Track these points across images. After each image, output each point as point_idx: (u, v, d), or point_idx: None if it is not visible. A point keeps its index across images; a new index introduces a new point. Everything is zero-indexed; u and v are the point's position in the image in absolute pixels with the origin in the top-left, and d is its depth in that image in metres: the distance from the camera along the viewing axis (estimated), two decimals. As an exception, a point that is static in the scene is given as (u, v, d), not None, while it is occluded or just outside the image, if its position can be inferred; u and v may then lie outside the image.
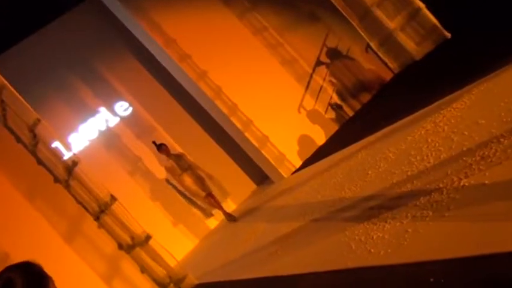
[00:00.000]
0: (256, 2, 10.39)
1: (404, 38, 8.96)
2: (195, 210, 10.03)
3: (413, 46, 8.95)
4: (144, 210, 9.65)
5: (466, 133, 4.18)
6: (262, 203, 8.59)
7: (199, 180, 8.91)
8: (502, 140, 3.55)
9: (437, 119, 5.08)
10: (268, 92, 9.90)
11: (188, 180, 8.85)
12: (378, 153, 5.57)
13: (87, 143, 9.88)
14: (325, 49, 10.79)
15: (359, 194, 4.91)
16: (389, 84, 10.18)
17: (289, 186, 8.25)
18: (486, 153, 3.54)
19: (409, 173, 4.34)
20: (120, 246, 7.40)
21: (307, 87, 10.33)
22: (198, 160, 9.91)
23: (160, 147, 8.97)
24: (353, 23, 9.49)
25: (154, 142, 9.03)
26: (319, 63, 10.78)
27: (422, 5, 8.46)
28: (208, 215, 9.75)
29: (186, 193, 9.34)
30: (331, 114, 10.32)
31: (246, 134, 9.63)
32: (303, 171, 8.83)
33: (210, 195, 8.79)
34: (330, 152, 8.15)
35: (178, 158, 8.98)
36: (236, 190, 10.57)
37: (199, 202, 9.48)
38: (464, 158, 3.74)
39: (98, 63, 10.32)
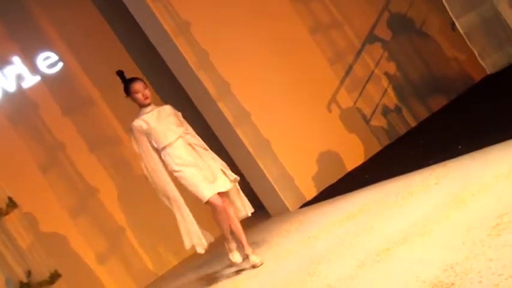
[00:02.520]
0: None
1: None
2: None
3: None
4: (58, 232, 9.54)
5: None
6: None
7: None
8: None
9: None
10: (282, 68, 9.73)
11: None
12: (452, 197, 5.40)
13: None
14: (385, 16, 10.39)
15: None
16: (477, 88, 10.10)
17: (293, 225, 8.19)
18: None
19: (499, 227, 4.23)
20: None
21: (347, 72, 10.12)
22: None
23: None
24: None
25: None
26: (372, 38, 10.54)
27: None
28: None
29: None
30: (380, 122, 10.04)
31: (239, 133, 9.38)
32: (317, 205, 8.73)
33: None
34: (364, 183, 8.10)
35: None
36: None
37: None
38: None
39: None
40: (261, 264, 6.90)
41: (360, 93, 9.96)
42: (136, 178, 10.09)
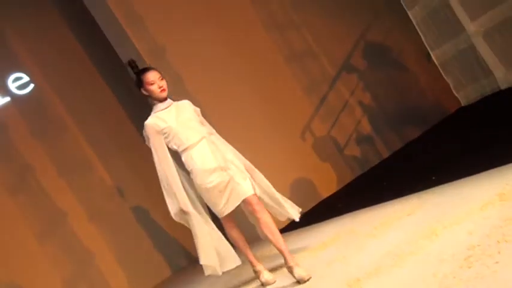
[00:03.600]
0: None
1: (489, 51, 8.45)
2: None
3: (500, 67, 8.46)
4: (24, 256, 9.54)
5: None
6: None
7: None
8: None
9: None
10: (257, 98, 9.80)
11: None
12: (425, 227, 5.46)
13: None
14: (361, 46, 10.36)
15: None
16: (451, 119, 10.12)
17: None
18: None
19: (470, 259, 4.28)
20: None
21: (322, 101, 10.15)
22: (123, 190, 9.56)
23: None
24: (410, 15, 9.34)
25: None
26: (348, 67, 10.54)
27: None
28: None
29: None
30: (353, 151, 10.05)
31: None
32: (290, 233, 8.72)
33: None
34: (336, 212, 8.14)
35: None
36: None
37: None
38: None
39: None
40: (309, 279, 5.82)
41: (334, 123, 9.99)
42: (106, 202, 10.09)
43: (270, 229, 6.05)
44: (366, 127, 10.11)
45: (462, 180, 6.18)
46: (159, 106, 6.14)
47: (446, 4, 8.72)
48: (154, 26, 9.33)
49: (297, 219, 6.57)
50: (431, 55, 9.52)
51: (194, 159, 6.00)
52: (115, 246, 9.99)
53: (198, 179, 6.04)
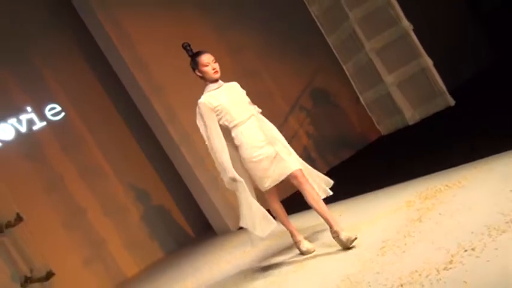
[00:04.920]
0: (242, 18, 9.86)
1: (401, 96, 8.47)
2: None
3: (409, 108, 8.46)
4: (54, 240, 9.39)
5: (454, 218, 4.21)
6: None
7: None
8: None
9: (423, 195, 5.12)
10: None
11: None
12: (350, 225, 5.47)
13: (-1, 144, 9.61)
14: (309, 89, 10.18)
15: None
16: (372, 145, 10.13)
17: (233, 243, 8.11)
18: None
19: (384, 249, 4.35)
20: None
21: (281, 125, 9.63)
22: (128, 190, 9.56)
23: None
24: (345, 68, 9.08)
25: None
26: (299, 105, 10.55)
27: (430, 62, 8.01)
28: None
29: None
30: None
31: (196, 173, 9.19)
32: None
33: None
34: (287, 212, 7.62)
35: None
36: (172, 234, 9.99)
37: None
38: (447, 248, 3.77)
39: (37, 54, 10.17)
40: (356, 238, 4.86)
41: (289, 143, 9.83)
42: (116, 200, 10.05)
43: (315, 199, 5.18)
44: (311, 150, 10.08)
45: (380, 190, 6.21)
46: (211, 86, 5.45)
47: (370, 61, 8.75)
48: (157, 69, 9.27)
49: (329, 187, 5.66)
50: (360, 98, 9.51)
51: (244, 134, 5.27)
52: (123, 233, 9.94)
53: (247, 153, 5.28)
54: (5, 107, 9.68)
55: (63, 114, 10.10)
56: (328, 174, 9.48)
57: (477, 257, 3.40)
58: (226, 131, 5.37)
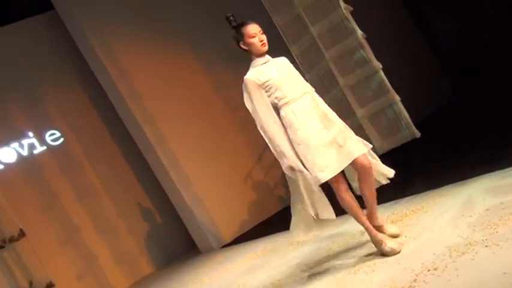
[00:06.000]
0: (229, 56, 9.93)
1: (371, 128, 8.53)
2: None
3: (378, 139, 8.51)
4: (50, 256, 9.25)
5: (419, 240, 4.27)
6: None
7: None
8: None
9: (390, 218, 5.17)
10: (217, 152, 9.69)
11: None
12: (324, 245, 5.56)
13: (1, 167, 9.55)
14: None
15: None
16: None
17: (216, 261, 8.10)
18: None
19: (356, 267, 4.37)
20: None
21: (260, 157, 9.96)
22: (120, 211, 9.56)
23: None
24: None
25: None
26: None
27: (397, 98, 8.11)
28: None
29: None
30: (280, 191, 9.93)
31: (183, 194, 9.15)
32: (234, 247, 8.64)
33: None
34: (267, 232, 8.02)
35: None
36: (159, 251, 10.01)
37: None
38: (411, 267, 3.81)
39: (39, 82, 10.11)
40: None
41: (268, 171, 9.89)
42: (109, 220, 9.99)
43: (372, 191, 4.37)
44: (289, 176, 10.04)
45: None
46: (258, 61, 4.50)
47: (344, 96, 8.79)
48: (149, 100, 9.27)
49: (392, 176, 4.61)
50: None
51: (296, 114, 4.25)
52: (114, 250, 9.87)
53: (298, 135, 4.24)
54: (8, 132, 9.63)
55: (62, 139, 10.04)
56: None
57: (439, 276, 3.44)
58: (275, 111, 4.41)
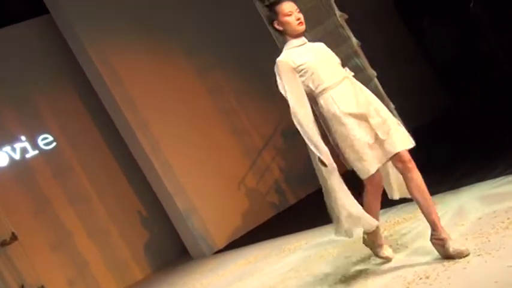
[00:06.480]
0: (222, 61, 9.89)
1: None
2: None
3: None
4: (41, 261, 9.20)
5: (411, 248, 4.28)
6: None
7: None
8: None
9: (383, 226, 4.97)
10: (210, 158, 9.66)
11: None
12: (316, 252, 5.54)
13: (-7, 170, 9.56)
14: (281, 127, 10.18)
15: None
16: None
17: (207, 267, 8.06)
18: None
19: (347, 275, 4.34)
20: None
21: (253, 163, 9.95)
22: (112, 216, 9.50)
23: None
24: (314, 108, 9.06)
25: None
26: (272, 141, 10.45)
27: (391, 106, 8.10)
28: None
29: None
30: (272, 198, 9.93)
31: (175, 200, 9.12)
32: (226, 253, 8.63)
33: None
34: (259, 239, 8.03)
35: None
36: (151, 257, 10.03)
37: None
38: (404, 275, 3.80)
39: (32, 87, 10.06)
40: (468, 254, 3.53)
41: (260, 178, 9.90)
42: (99, 224, 9.95)
43: (423, 192, 3.77)
44: (281, 183, 10.06)
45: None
46: (294, 42, 3.97)
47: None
48: (142, 105, 9.24)
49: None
50: (328, 136, 9.44)
51: (336, 102, 3.81)
52: (105, 255, 9.82)
53: (340, 125, 3.83)
54: (0, 136, 9.59)
55: (54, 144, 9.99)
56: (296, 206, 9.60)
57: (431, 284, 3.43)
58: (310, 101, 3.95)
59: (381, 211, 5.63)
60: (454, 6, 9.71)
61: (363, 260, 4.46)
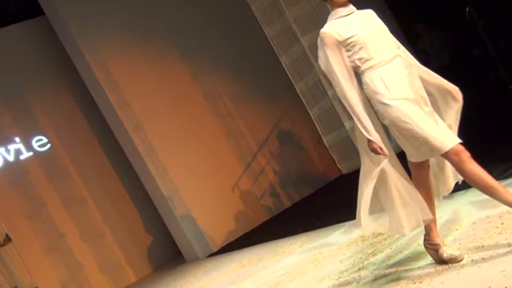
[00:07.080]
0: (217, 65, 9.88)
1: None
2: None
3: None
4: (34, 263, 9.15)
5: (404, 252, 4.21)
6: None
7: None
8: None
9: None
10: (204, 161, 9.64)
11: None
12: (310, 255, 5.49)
13: (-13, 171, 9.54)
14: (276, 130, 10.12)
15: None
16: (333, 183, 9.96)
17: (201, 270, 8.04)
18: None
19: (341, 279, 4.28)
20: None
21: (247, 166, 9.93)
22: (106, 218, 9.52)
23: None
24: (310, 113, 9.10)
25: None
26: (267, 145, 10.42)
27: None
28: None
29: None
30: (267, 202, 9.91)
31: (169, 203, 9.11)
32: (221, 256, 8.62)
33: None
34: (253, 242, 8.03)
35: None
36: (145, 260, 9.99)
37: None
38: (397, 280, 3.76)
39: (27, 88, 10.07)
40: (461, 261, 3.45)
41: (255, 181, 9.90)
42: (93, 227, 9.93)
43: (485, 184, 3.33)
44: (276, 186, 10.05)
45: (337, 225, 6.14)
46: (340, 12, 3.49)
47: (333, 107, 8.81)
48: (137, 108, 9.24)
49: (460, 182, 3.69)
50: (323, 139, 9.54)
51: (385, 80, 3.35)
52: (99, 258, 9.81)
53: (388, 110, 3.35)
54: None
55: (49, 145, 9.99)
56: (291, 209, 9.59)
57: (424, 289, 3.42)
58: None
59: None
60: (450, 11, 9.71)
61: (357, 264, 4.45)
